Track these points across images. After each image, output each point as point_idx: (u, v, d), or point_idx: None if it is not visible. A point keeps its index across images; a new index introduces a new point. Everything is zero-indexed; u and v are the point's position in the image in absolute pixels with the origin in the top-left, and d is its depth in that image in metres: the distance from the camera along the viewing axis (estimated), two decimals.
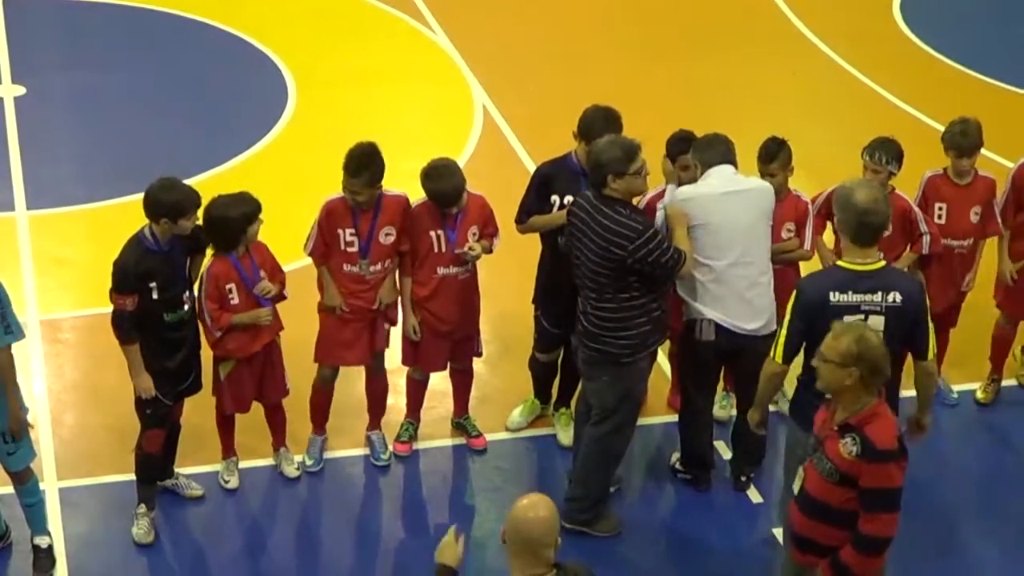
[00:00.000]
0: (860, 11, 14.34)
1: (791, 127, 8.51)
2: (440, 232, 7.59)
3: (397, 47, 13.43)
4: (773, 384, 6.62)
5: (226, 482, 7.76)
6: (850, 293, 6.23)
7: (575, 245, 7.09)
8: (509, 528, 4.90)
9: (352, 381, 8.20)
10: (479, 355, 8.15)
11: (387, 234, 7.55)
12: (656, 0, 14.51)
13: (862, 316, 6.19)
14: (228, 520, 7.64)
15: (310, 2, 14.16)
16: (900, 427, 5.85)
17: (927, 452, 7.44)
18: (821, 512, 5.81)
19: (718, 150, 7.35)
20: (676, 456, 8.00)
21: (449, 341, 7.89)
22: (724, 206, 7.22)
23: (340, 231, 7.50)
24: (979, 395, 8.64)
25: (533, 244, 7.99)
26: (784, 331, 6.35)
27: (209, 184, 8.73)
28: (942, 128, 8.25)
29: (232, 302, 7.31)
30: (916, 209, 8.04)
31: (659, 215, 7.42)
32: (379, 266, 7.60)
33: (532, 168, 8.25)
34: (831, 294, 6.23)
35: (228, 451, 7.81)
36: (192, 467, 7.81)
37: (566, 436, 8.06)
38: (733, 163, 7.37)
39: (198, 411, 7.70)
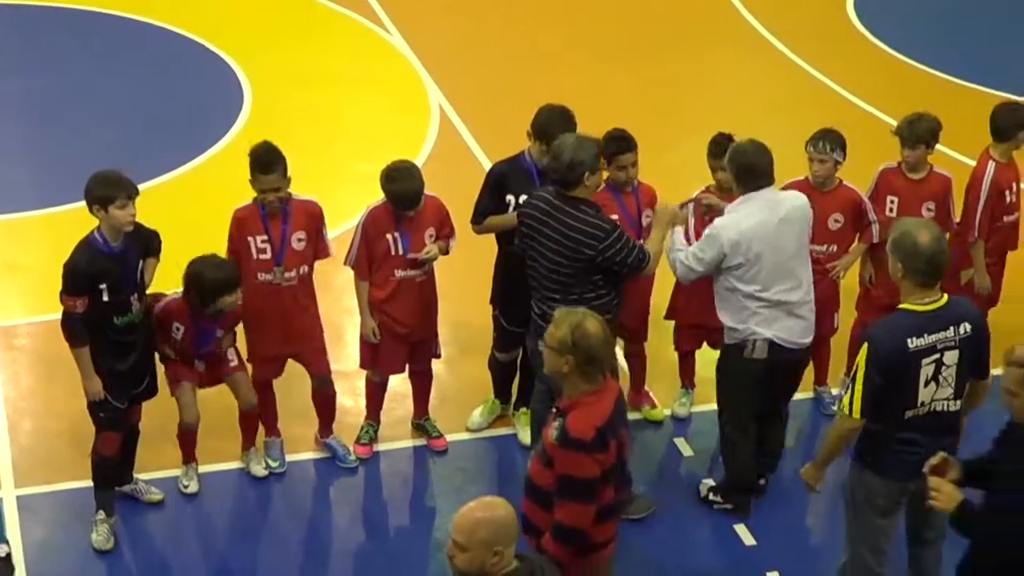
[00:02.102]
0: (814, 8, 14.45)
1: (745, 123, 8.55)
2: (397, 234, 7.58)
3: (352, 48, 13.41)
4: (847, 442, 6.24)
5: (185, 487, 7.73)
6: (926, 336, 5.95)
7: (531, 246, 7.04)
8: (486, 531, 4.82)
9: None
10: (438, 356, 8.14)
11: (299, 239, 7.51)
12: None
13: (939, 355, 5.98)
14: (188, 525, 7.61)
15: (263, 4, 14.12)
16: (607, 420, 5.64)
17: None
18: (536, 493, 5.76)
19: (769, 172, 7.07)
20: (708, 484, 7.72)
21: (408, 343, 7.88)
22: (775, 239, 7.02)
23: (251, 239, 7.46)
24: None
25: (490, 244, 7.99)
26: (859, 385, 5.98)
27: (165, 188, 8.69)
28: (895, 124, 8.29)
29: (175, 336, 7.39)
30: (866, 200, 8.09)
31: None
32: (294, 272, 7.55)
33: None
34: (909, 341, 5.94)
35: (188, 457, 7.78)
36: (151, 472, 7.76)
37: (527, 435, 8.05)
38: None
39: (156, 416, 7.66)
